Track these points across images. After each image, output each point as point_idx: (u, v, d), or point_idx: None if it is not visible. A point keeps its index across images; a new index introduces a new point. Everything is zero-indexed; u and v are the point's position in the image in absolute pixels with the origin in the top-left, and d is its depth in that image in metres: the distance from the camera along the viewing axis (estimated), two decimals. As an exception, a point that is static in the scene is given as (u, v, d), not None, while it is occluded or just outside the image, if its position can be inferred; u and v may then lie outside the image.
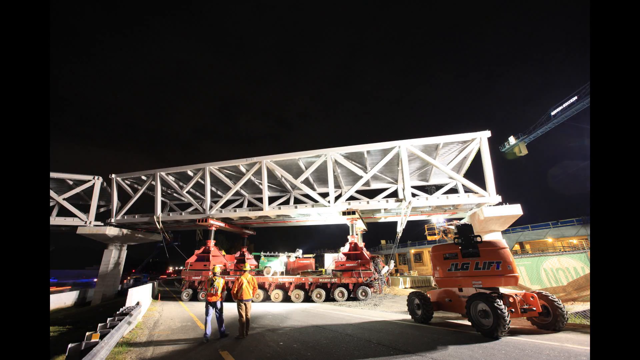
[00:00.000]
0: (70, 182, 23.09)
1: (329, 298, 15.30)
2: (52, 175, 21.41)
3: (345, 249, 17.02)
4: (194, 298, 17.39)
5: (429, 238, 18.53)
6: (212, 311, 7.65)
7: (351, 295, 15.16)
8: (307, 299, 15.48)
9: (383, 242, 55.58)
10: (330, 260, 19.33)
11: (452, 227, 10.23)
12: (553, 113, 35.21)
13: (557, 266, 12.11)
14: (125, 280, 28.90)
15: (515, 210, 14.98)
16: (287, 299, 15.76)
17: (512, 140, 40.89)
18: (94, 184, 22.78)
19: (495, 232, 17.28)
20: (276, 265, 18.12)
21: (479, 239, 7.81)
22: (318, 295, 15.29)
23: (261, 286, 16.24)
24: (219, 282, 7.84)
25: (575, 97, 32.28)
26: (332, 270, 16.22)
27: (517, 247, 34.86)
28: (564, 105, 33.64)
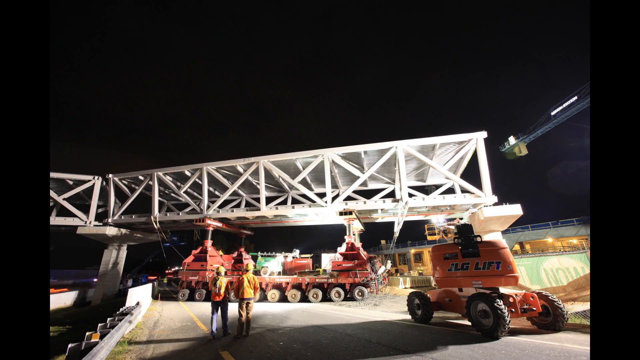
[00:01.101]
0: (70, 182, 23.09)
1: (326, 298, 15.31)
2: (52, 175, 21.41)
3: (342, 249, 17.02)
4: (190, 298, 17.40)
5: (429, 238, 18.51)
6: (217, 310, 7.77)
7: (348, 296, 15.16)
8: (304, 299, 15.48)
9: (383, 242, 55.67)
10: (328, 260, 19.34)
11: (452, 227, 10.24)
12: (553, 113, 35.24)
13: (557, 266, 12.12)
14: (123, 280, 28.81)
15: (515, 210, 14.98)
16: (283, 299, 15.78)
17: (512, 140, 40.91)
18: (94, 184, 22.78)
19: (495, 232, 17.28)
20: (273, 265, 18.15)
21: (479, 239, 7.81)
22: (315, 296, 15.30)
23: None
24: (222, 282, 7.90)
25: (575, 97, 32.30)
26: (330, 270, 16.23)
27: (517, 247, 34.88)
28: (564, 105, 33.67)
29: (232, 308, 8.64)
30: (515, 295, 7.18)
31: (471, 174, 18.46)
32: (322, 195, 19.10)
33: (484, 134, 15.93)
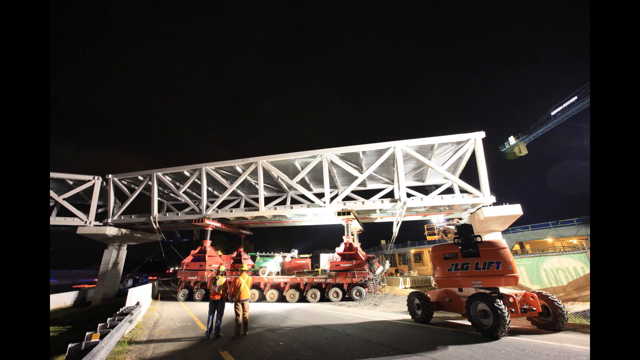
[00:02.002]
0: (70, 182, 23.09)
1: (324, 298, 15.33)
2: (52, 175, 21.41)
3: (340, 249, 17.03)
4: (190, 298, 17.43)
5: (429, 238, 18.53)
6: (215, 309, 7.77)
7: (346, 296, 15.18)
8: (302, 299, 15.50)
9: (383, 242, 55.65)
10: (326, 260, 19.34)
11: (452, 227, 10.24)
12: (553, 113, 35.20)
13: (557, 266, 12.12)
14: (123, 280, 28.84)
15: (515, 210, 14.98)
16: (282, 298, 15.81)
17: (512, 140, 40.86)
18: (94, 184, 22.78)
19: (495, 232, 17.28)
20: (272, 265, 18.19)
21: (479, 239, 7.81)
22: (313, 296, 15.33)
23: (257, 286, 16.30)
24: (221, 281, 7.91)
25: (575, 97, 32.27)
26: (328, 270, 16.24)
27: (517, 247, 34.85)
28: (564, 105, 33.62)
29: (229, 308, 8.64)
30: (515, 295, 7.18)
31: (470, 174, 18.50)
32: (320, 196, 19.12)
33: (482, 134, 15.94)
